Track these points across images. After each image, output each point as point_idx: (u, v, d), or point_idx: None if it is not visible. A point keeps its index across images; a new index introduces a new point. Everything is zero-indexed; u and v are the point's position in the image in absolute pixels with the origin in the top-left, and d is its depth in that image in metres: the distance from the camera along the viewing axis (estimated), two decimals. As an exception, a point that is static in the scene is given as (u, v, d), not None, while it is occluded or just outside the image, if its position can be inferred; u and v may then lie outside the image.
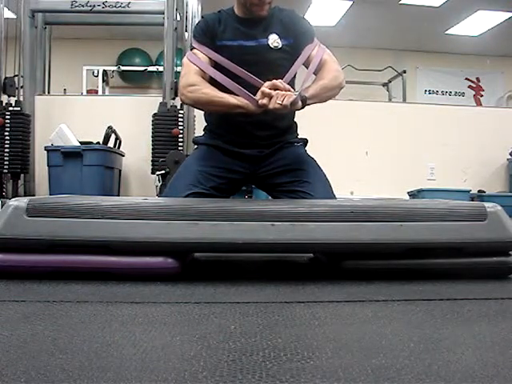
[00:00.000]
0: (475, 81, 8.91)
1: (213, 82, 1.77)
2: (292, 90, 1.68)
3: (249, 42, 1.87)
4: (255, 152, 1.87)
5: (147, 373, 0.61)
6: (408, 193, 4.31)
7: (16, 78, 4.44)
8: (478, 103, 8.60)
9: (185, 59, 1.87)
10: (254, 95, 1.63)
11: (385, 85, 7.59)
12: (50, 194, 4.01)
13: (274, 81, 1.63)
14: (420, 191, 4.25)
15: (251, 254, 1.51)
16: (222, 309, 0.94)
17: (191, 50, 1.87)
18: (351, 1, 6.68)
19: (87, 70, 7.24)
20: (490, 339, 0.78)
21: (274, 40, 1.87)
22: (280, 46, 1.87)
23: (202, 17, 1.97)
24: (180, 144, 3.98)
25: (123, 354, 0.68)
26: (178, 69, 4.60)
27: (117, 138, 4.14)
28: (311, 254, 1.51)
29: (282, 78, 1.67)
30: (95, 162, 3.88)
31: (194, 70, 1.79)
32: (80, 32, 6.32)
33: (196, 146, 2.00)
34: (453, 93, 8.88)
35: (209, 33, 1.87)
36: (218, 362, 0.65)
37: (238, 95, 1.68)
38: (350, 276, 1.22)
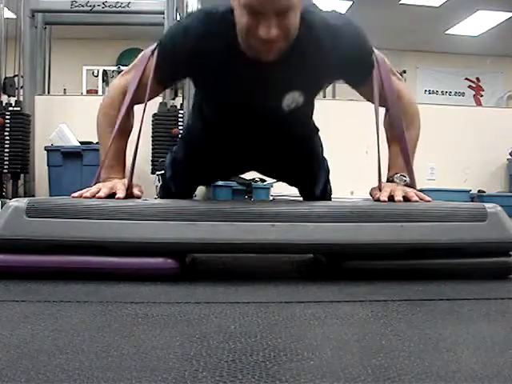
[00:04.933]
0: (475, 81, 8.92)
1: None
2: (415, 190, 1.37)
3: (249, 100, 1.36)
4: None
5: (147, 373, 0.61)
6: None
7: (16, 78, 4.45)
8: (478, 103, 8.61)
9: (142, 57, 1.37)
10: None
11: (385, 85, 7.57)
12: (50, 194, 4.01)
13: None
14: (420, 191, 4.24)
15: (251, 254, 1.51)
16: (222, 309, 0.94)
17: (152, 53, 1.35)
18: (351, 1, 6.68)
19: (87, 70, 7.26)
20: (490, 339, 0.78)
21: (292, 100, 1.35)
22: (301, 103, 1.37)
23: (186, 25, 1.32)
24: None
25: (123, 354, 0.68)
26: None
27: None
28: (311, 255, 1.51)
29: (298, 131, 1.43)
30: (95, 162, 3.86)
31: (133, 82, 1.35)
32: (80, 32, 6.32)
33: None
34: (453, 93, 8.88)
35: (180, 65, 1.33)
36: (217, 361, 0.65)
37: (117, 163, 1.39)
38: (349, 276, 1.22)
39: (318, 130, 1.73)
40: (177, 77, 1.47)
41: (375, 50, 1.38)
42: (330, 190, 1.83)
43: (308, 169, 1.72)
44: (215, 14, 1.28)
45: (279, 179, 1.87)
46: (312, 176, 1.73)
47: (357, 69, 1.35)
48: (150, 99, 1.38)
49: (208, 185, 1.89)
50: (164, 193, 1.83)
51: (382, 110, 1.42)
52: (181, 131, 4.00)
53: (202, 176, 1.76)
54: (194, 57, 1.29)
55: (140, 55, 1.40)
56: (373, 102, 1.36)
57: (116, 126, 1.36)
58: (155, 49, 1.35)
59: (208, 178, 1.86)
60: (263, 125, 1.43)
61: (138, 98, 1.37)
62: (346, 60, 1.30)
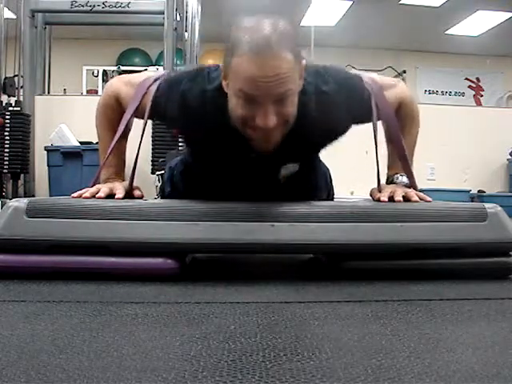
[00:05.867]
0: (475, 81, 8.92)
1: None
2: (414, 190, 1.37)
3: (242, 173, 1.35)
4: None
5: (147, 373, 0.61)
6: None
7: (16, 78, 4.45)
8: (478, 103, 8.60)
9: (140, 87, 1.33)
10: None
11: (385, 85, 7.58)
12: (50, 194, 4.01)
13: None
14: (420, 191, 4.24)
15: (251, 254, 1.50)
16: (222, 309, 0.94)
17: (152, 84, 1.30)
18: (351, 1, 6.68)
19: (87, 70, 7.26)
20: (490, 339, 0.78)
21: (288, 170, 1.35)
22: (297, 169, 1.36)
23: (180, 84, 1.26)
24: (180, 144, 3.98)
25: (123, 354, 0.68)
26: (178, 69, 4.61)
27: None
28: (311, 255, 1.51)
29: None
30: (95, 162, 3.86)
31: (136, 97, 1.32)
32: (80, 32, 6.33)
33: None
34: (453, 93, 8.88)
35: (173, 122, 1.36)
36: (217, 361, 0.65)
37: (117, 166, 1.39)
38: (349, 276, 1.22)
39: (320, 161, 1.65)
40: (171, 125, 1.48)
41: (364, 77, 1.34)
42: (333, 194, 1.80)
43: (310, 187, 1.66)
44: (207, 90, 1.23)
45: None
46: (314, 192, 1.67)
47: (361, 114, 1.33)
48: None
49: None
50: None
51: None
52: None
53: (200, 196, 1.70)
54: (186, 121, 1.29)
55: (140, 82, 1.35)
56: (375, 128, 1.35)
57: (117, 135, 1.35)
58: (158, 85, 1.31)
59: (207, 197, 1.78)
60: (261, 185, 1.38)
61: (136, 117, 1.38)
62: (342, 117, 1.29)
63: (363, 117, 1.34)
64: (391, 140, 1.43)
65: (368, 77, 1.36)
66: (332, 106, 1.25)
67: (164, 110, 1.31)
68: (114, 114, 1.39)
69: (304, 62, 1.17)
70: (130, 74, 1.49)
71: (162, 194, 1.77)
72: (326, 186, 1.68)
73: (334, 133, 1.34)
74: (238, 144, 1.22)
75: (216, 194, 1.35)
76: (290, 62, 1.09)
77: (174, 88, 1.28)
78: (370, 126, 1.38)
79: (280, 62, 1.07)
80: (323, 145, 1.39)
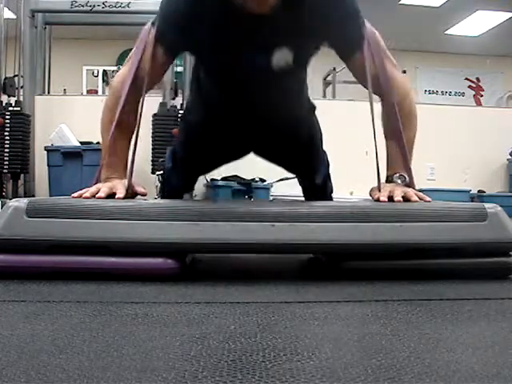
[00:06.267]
0: (475, 81, 8.92)
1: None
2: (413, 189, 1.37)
3: (237, 56, 1.31)
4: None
5: (147, 373, 0.61)
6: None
7: (16, 78, 4.45)
8: (478, 103, 8.61)
9: (145, 36, 1.36)
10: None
11: (385, 85, 7.58)
12: (50, 194, 4.01)
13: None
14: (420, 191, 4.24)
15: (251, 254, 1.51)
16: (222, 309, 0.94)
17: (157, 33, 1.32)
18: (351, 1, 6.67)
19: (87, 70, 7.26)
20: (490, 339, 0.78)
21: (281, 59, 1.30)
22: (291, 64, 1.31)
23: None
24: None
25: (123, 354, 0.68)
26: (178, 69, 4.61)
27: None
28: (311, 255, 1.51)
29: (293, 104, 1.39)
30: (95, 162, 3.87)
31: (144, 68, 1.32)
32: (80, 32, 6.33)
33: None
34: (453, 93, 8.89)
35: (178, 30, 1.31)
36: (217, 361, 0.65)
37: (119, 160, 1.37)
38: (349, 276, 1.22)
39: (314, 108, 1.66)
40: (180, 43, 1.37)
41: (368, 25, 1.31)
42: (332, 188, 1.82)
43: (308, 154, 1.69)
44: None
45: (278, 163, 1.81)
46: (312, 162, 1.71)
47: (345, 34, 1.29)
48: (156, 78, 1.35)
49: (208, 172, 1.83)
50: (165, 187, 1.82)
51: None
52: (181, 131, 4.00)
53: (201, 161, 1.72)
54: (189, 19, 1.26)
55: (140, 35, 1.37)
56: (365, 84, 1.31)
57: (116, 116, 1.31)
58: (153, 22, 1.33)
59: (208, 163, 1.80)
60: (258, 92, 1.38)
61: (141, 78, 1.32)
62: (334, 22, 1.25)
63: (345, 40, 1.29)
64: (388, 119, 1.39)
65: (374, 32, 1.32)
66: (326, 5, 1.23)
67: (173, 23, 1.29)
68: (116, 102, 1.35)
69: None
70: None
71: (164, 186, 1.79)
72: (322, 151, 1.71)
73: (319, 34, 1.29)
74: (234, 18, 1.22)
75: (215, 145, 1.36)
76: None
77: (166, 2, 1.30)
78: (369, 125, 1.38)
79: None
80: (308, 44, 1.34)
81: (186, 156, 1.67)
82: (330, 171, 1.84)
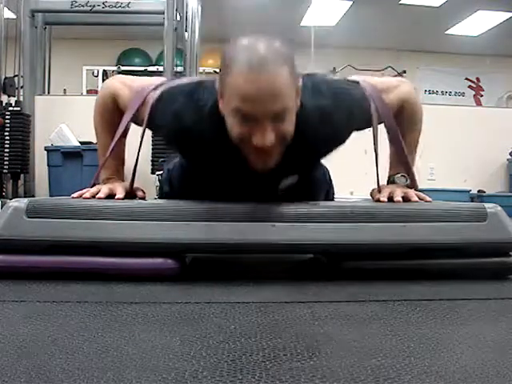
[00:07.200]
0: (475, 81, 8.91)
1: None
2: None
3: (240, 185, 1.30)
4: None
5: (147, 373, 0.61)
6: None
7: (16, 78, 4.45)
8: (478, 103, 8.60)
9: (137, 98, 1.30)
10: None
11: (385, 85, 7.57)
12: (50, 194, 4.01)
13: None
14: (420, 191, 4.24)
15: (251, 254, 1.50)
16: (222, 309, 0.94)
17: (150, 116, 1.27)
18: (351, 1, 6.68)
19: (87, 70, 7.25)
20: (490, 339, 0.78)
21: (286, 184, 1.34)
22: (296, 180, 1.35)
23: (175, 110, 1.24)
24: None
25: (123, 354, 0.68)
26: (178, 69, 4.61)
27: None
28: (311, 255, 1.51)
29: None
30: (95, 162, 3.86)
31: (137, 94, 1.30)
32: (80, 32, 6.32)
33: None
34: (453, 93, 8.88)
35: (168, 138, 1.33)
36: (217, 362, 0.65)
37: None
38: (349, 276, 1.22)
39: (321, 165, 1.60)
40: (171, 144, 1.40)
41: (362, 84, 1.32)
42: (333, 194, 1.79)
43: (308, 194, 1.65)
44: (203, 109, 1.20)
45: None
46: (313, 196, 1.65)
47: (361, 123, 1.32)
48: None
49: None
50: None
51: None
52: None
53: (201, 196, 1.67)
54: (183, 140, 1.26)
55: (138, 91, 1.31)
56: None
57: (115, 139, 1.34)
58: (150, 107, 1.27)
59: (208, 196, 1.74)
60: (259, 194, 1.32)
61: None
62: (347, 126, 1.29)
63: (363, 124, 1.34)
64: (392, 143, 1.42)
65: (367, 82, 1.34)
66: (331, 121, 1.23)
67: (159, 128, 1.31)
68: (111, 115, 1.38)
69: (300, 80, 1.16)
70: (126, 76, 1.49)
71: (161, 193, 1.76)
72: (326, 182, 1.66)
73: (334, 145, 1.32)
74: (236, 161, 1.20)
75: (215, 198, 1.33)
76: (286, 79, 1.07)
77: (167, 109, 1.25)
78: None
79: (275, 79, 1.05)
80: (322, 156, 1.38)
81: (184, 191, 1.60)
82: (331, 171, 1.83)
